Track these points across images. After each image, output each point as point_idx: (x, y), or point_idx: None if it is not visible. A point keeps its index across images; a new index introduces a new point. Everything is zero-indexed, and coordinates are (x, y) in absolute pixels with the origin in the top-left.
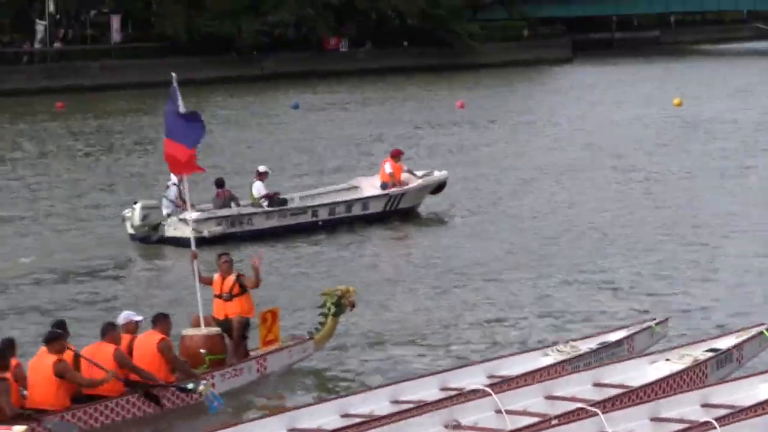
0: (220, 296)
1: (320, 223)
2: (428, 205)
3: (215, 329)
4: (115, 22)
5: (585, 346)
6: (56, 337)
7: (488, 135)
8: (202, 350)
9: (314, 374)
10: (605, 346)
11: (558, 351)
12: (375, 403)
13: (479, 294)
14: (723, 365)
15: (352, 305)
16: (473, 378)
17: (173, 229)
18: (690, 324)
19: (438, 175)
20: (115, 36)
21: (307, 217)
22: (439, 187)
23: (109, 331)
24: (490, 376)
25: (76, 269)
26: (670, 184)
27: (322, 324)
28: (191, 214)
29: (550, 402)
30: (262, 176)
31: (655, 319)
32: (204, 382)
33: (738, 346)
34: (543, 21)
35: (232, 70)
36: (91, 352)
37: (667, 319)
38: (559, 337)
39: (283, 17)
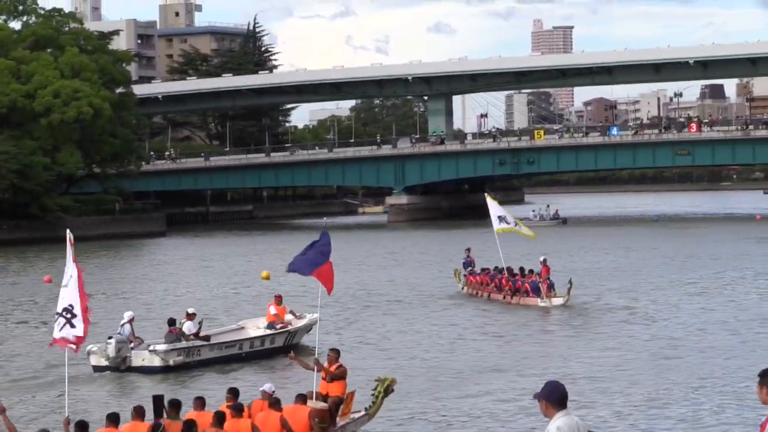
0: (326, 379)
1: (243, 354)
2: None
3: (325, 405)
4: None
5: None
6: (241, 407)
7: None
8: (316, 419)
9: None
10: None
11: None
12: None
13: None
14: None
15: (392, 390)
16: None
17: (141, 359)
18: None
19: (313, 316)
20: None
21: (235, 350)
22: (312, 327)
23: (273, 403)
24: None
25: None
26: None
27: (373, 403)
28: (160, 347)
29: None
30: (190, 317)
31: None
32: None
33: None
34: (138, 195)
35: None
36: (263, 418)
37: None
38: None
39: None
